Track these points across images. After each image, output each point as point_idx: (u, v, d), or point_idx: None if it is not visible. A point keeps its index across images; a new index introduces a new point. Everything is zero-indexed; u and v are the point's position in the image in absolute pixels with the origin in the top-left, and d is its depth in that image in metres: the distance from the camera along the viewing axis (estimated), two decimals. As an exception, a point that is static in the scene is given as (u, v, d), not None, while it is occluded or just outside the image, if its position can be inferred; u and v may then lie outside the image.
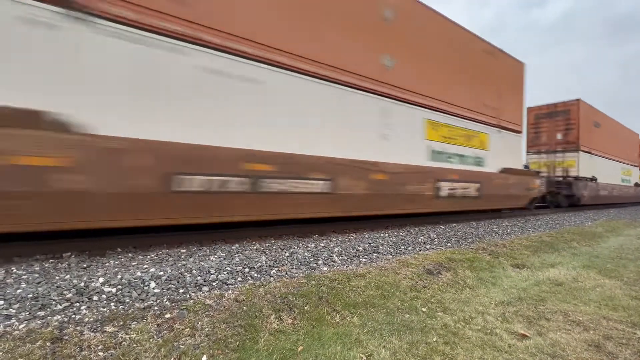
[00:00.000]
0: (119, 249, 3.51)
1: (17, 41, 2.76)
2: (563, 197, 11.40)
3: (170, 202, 3.45)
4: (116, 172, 3.13)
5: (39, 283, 2.47)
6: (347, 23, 4.96)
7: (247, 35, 3.93)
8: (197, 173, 3.54)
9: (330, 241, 4.52)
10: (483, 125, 7.39)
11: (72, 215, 3.05)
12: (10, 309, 2.08)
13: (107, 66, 3.14)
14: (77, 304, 2.22)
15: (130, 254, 3.38)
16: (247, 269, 3.11)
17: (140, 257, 3.31)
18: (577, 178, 11.59)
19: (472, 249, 4.79)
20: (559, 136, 12.18)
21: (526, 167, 10.13)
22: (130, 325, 2.02)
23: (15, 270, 2.71)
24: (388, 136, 5.50)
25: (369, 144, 5.25)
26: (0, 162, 2.62)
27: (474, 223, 7.15)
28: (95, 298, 2.31)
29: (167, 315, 2.17)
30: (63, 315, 2.08)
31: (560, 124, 12.17)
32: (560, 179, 11.70)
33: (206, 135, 3.67)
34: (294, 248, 4.00)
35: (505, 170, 7.94)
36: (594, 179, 12.44)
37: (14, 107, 2.69)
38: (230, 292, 2.60)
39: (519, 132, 8.70)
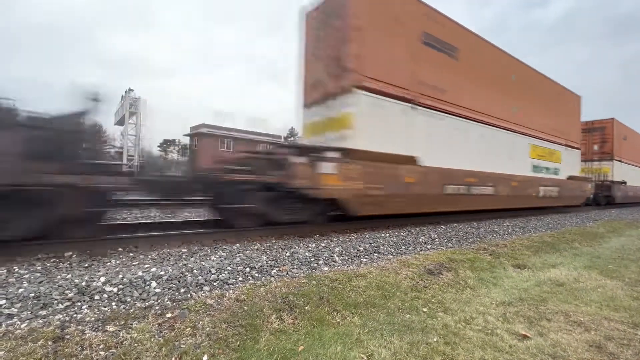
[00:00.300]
0: (120, 249, 3.52)
1: (398, 121, 5.70)
2: (602, 197, 14.10)
3: (442, 200, 6.45)
4: (428, 184, 6.06)
5: (40, 282, 2.48)
6: (497, 85, 7.87)
7: (463, 103, 6.89)
8: (450, 184, 6.51)
9: (331, 241, 4.52)
10: (558, 145, 10.31)
11: (416, 206, 6.05)
12: (12, 308, 2.09)
13: (420, 129, 6.01)
14: (79, 304, 2.23)
15: (131, 254, 3.39)
16: (248, 269, 3.12)
17: (141, 256, 3.32)
18: (612, 182, 14.30)
19: (473, 249, 4.78)
20: (596, 147, 14.88)
21: None
22: (131, 324, 2.03)
23: (17, 270, 2.72)
24: (513, 157, 8.36)
25: (506, 163, 8.08)
26: (402, 181, 5.63)
27: (474, 223, 7.14)
28: (96, 297, 2.32)
29: (168, 315, 2.17)
30: (64, 315, 2.09)
31: (597, 138, 14.89)
32: (600, 182, 14.39)
33: (451, 162, 6.60)
34: (295, 248, 4.00)
35: (571, 177, 10.94)
36: (624, 183, 15.12)
37: (403, 154, 5.68)
38: (231, 291, 2.60)
39: (578, 148, 11.67)
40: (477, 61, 7.28)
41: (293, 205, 4.87)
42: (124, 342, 1.85)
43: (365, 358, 1.92)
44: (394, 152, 5.56)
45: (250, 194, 4.51)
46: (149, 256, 3.34)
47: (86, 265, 2.96)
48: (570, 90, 10.89)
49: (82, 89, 3.14)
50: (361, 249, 4.19)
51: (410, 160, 5.80)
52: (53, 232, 3.27)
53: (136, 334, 1.93)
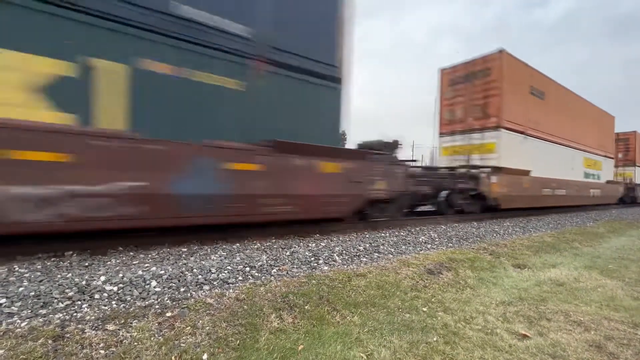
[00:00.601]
0: (120, 248, 3.53)
1: (518, 146, 8.72)
2: (628, 197, 17.09)
3: (540, 199, 9.38)
4: (535, 188, 9.10)
5: (41, 281, 2.49)
6: (565, 114, 10.82)
7: (548, 131, 9.91)
8: (544, 187, 9.46)
9: (331, 240, 4.52)
10: (600, 156, 13.50)
11: (529, 203, 8.96)
12: (13, 307, 2.10)
13: (528, 151, 9.03)
14: (79, 302, 2.23)
15: (131, 253, 3.39)
16: (247, 268, 3.12)
17: (141, 255, 3.32)
18: (636, 185, 17.73)
19: (473, 248, 4.78)
20: (620, 155, 18.00)
21: None
22: (131, 323, 2.03)
23: (17, 269, 2.72)
24: (574, 168, 11.45)
25: (570, 172, 11.12)
26: (524, 186, 8.74)
27: (475, 223, 7.14)
28: (96, 296, 2.32)
29: (168, 314, 2.18)
30: (65, 314, 2.09)
31: (621, 147, 18.15)
32: (626, 185, 17.45)
33: (543, 173, 9.51)
34: (295, 247, 4.01)
35: (608, 182, 14.25)
36: None
37: (523, 169, 8.76)
38: (231, 291, 2.60)
39: (612, 158, 15.04)
40: (554, 99, 10.29)
41: (474, 202, 7.97)
42: (124, 341, 1.85)
43: (365, 357, 1.92)
44: (519, 168, 8.61)
45: (460, 195, 7.71)
46: (149, 255, 3.35)
47: (86, 264, 2.96)
48: (608, 113, 14.33)
49: (392, 140, 6.19)
50: (361, 248, 4.19)
51: (527, 173, 8.92)
52: (393, 214, 6.07)
53: (136, 333, 1.93)
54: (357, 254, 3.99)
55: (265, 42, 4.24)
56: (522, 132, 8.74)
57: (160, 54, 3.54)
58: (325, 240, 4.51)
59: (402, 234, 5.34)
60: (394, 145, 6.16)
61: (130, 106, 3.40)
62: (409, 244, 4.73)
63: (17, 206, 2.69)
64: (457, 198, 7.60)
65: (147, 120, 3.50)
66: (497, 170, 7.99)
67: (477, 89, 8.53)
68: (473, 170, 8.07)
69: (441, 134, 9.55)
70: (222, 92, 3.96)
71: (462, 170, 8.24)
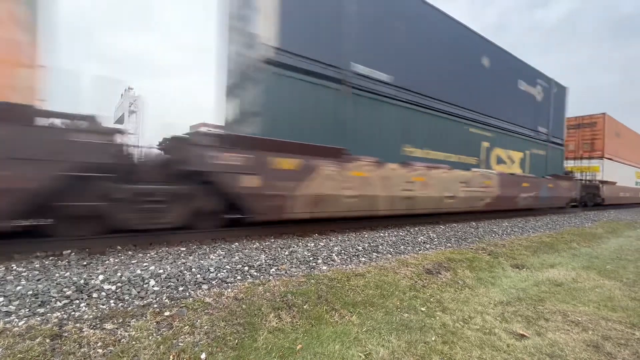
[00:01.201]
0: (119, 247, 3.52)
1: (611, 167, 15.34)
2: None
3: (619, 199, 15.88)
4: (620, 192, 16.03)
5: (38, 280, 2.48)
6: (627, 142, 16.95)
7: (620, 156, 16.13)
8: (621, 192, 15.98)
9: (330, 240, 4.52)
10: None
11: (617, 202, 15.80)
12: (10, 306, 2.09)
13: (614, 169, 15.40)
14: (77, 301, 2.23)
15: (130, 252, 3.38)
16: (246, 268, 3.12)
17: (140, 255, 3.32)
18: None
19: (471, 249, 4.78)
20: None
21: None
22: (129, 322, 2.03)
23: (15, 268, 2.72)
24: (630, 179, 17.21)
25: (628, 182, 16.86)
26: (616, 191, 16.17)
27: (473, 223, 7.15)
28: (94, 295, 2.32)
29: (167, 313, 2.17)
30: (63, 312, 2.08)
31: None
32: None
33: (620, 182, 15.99)
34: (294, 247, 4.00)
35: None
36: None
37: (613, 181, 15.34)
38: (229, 290, 2.60)
39: None
40: (623, 135, 16.05)
41: (592, 200, 13.44)
42: (122, 340, 1.85)
43: (364, 357, 1.92)
44: (611, 180, 14.12)
45: (588, 196, 13.42)
46: (148, 254, 3.34)
47: (85, 263, 2.96)
48: None
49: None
50: (360, 248, 4.19)
51: (614, 183, 14.50)
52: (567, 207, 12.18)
53: (134, 332, 1.93)
54: (356, 253, 3.99)
55: (550, 134, 10.19)
56: (610, 159, 14.39)
57: (531, 146, 9.41)
58: (324, 240, 4.51)
59: (400, 233, 5.35)
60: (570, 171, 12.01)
61: (528, 166, 9.28)
62: (407, 244, 4.74)
63: (523, 201, 8.83)
64: (587, 198, 13.26)
65: (528, 170, 9.29)
66: (604, 182, 13.67)
67: (586, 134, 14.52)
68: (595, 182, 13.67)
69: None
70: (541, 157, 9.89)
71: (589, 181, 13.82)
